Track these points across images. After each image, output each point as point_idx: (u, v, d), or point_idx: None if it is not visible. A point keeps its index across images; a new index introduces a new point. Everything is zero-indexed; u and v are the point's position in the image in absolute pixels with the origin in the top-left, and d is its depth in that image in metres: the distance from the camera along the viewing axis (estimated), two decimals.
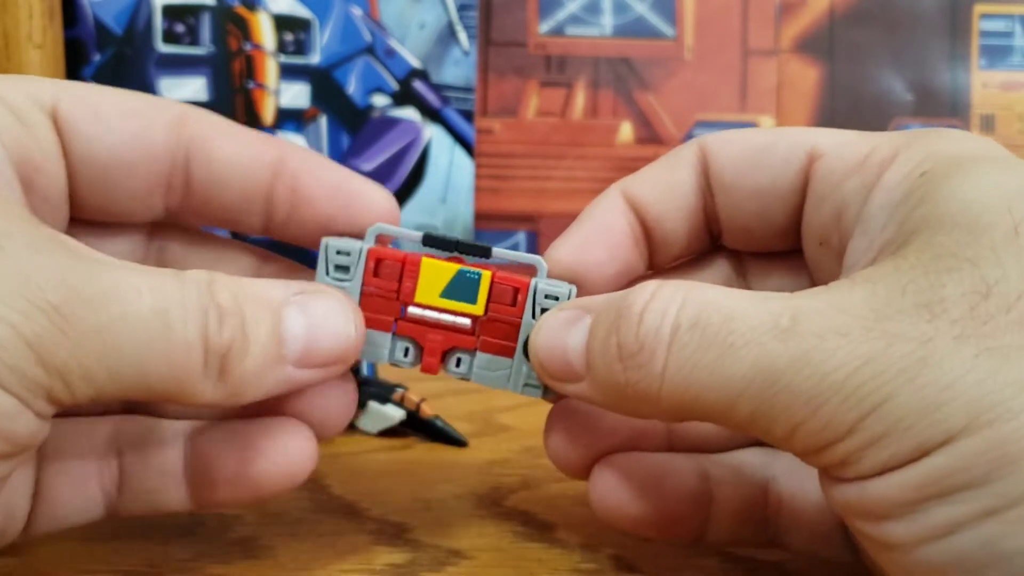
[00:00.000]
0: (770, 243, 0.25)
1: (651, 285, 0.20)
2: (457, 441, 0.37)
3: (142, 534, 0.26)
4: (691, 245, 0.26)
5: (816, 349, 0.18)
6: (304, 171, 0.24)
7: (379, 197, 0.24)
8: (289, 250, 0.27)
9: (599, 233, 0.25)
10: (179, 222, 0.26)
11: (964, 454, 0.17)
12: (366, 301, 0.24)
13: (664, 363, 0.19)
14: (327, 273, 0.23)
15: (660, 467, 0.24)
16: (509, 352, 0.24)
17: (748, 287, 0.26)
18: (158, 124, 0.23)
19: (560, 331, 0.22)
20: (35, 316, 0.18)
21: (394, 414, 0.37)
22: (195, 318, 0.20)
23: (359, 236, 0.24)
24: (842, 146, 0.23)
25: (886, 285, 0.18)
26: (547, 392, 0.24)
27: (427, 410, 0.37)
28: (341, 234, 0.24)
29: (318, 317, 0.22)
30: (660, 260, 0.26)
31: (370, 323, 0.24)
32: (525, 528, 0.28)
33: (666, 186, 0.25)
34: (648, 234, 0.25)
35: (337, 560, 0.25)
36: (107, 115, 0.23)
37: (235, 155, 0.24)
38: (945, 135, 0.22)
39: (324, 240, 0.24)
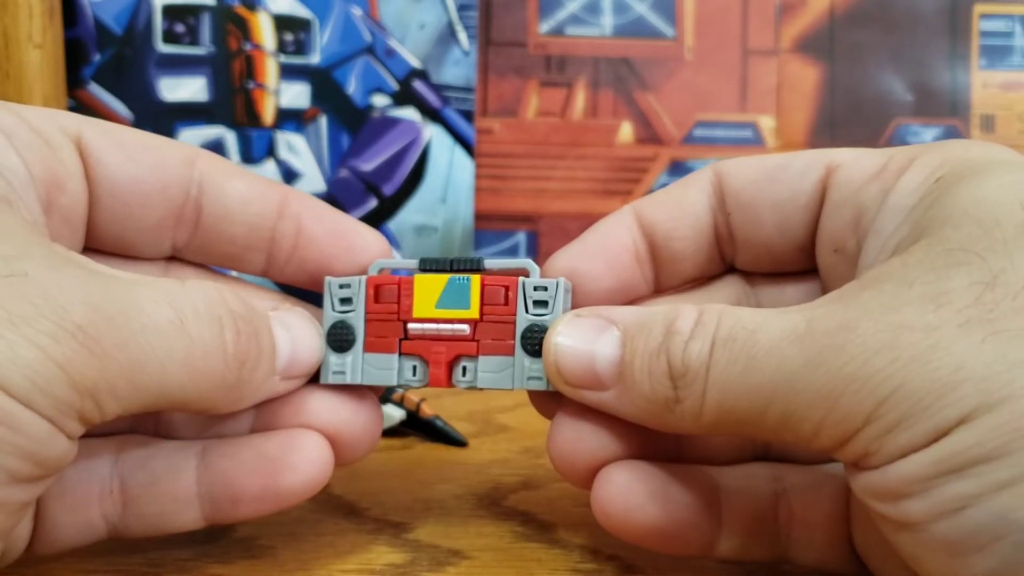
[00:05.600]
0: (787, 260, 0.25)
1: (694, 309, 0.21)
2: (457, 441, 0.37)
3: None
4: (701, 266, 0.26)
5: (828, 347, 0.18)
6: (306, 213, 0.25)
7: (373, 238, 0.26)
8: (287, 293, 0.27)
9: (599, 247, 0.25)
10: (183, 259, 0.26)
11: (979, 431, 0.17)
12: (371, 327, 0.25)
13: (704, 382, 0.20)
14: (333, 308, 0.25)
15: (667, 475, 0.24)
16: (509, 350, 0.24)
17: (760, 307, 0.26)
18: (174, 159, 0.24)
19: (583, 338, 0.22)
20: (63, 338, 0.18)
21: (394, 414, 0.37)
22: (209, 325, 0.21)
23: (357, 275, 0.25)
24: (860, 157, 0.24)
25: (893, 281, 0.19)
26: (551, 384, 0.24)
27: (427, 410, 0.37)
28: (339, 275, 0.25)
29: (297, 331, 0.24)
30: (667, 280, 0.26)
31: (376, 347, 0.24)
32: (525, 528, 0.28)
33: (677, 205, 0.25)
34: (656, 253, 0.26)
35: (337, 560, 0.25)
36: (128, 146, 0.24)
37: (245, 192, 0.25)
38: (961, 143, 0.22)
39: (327, 279, 0.25)
